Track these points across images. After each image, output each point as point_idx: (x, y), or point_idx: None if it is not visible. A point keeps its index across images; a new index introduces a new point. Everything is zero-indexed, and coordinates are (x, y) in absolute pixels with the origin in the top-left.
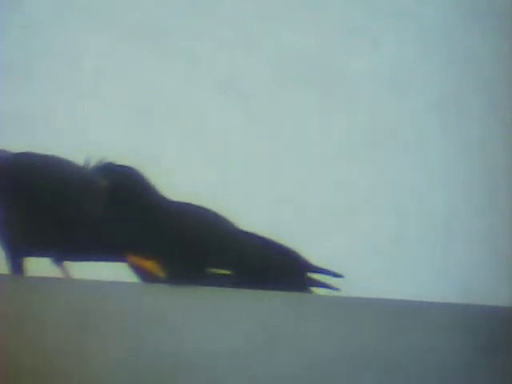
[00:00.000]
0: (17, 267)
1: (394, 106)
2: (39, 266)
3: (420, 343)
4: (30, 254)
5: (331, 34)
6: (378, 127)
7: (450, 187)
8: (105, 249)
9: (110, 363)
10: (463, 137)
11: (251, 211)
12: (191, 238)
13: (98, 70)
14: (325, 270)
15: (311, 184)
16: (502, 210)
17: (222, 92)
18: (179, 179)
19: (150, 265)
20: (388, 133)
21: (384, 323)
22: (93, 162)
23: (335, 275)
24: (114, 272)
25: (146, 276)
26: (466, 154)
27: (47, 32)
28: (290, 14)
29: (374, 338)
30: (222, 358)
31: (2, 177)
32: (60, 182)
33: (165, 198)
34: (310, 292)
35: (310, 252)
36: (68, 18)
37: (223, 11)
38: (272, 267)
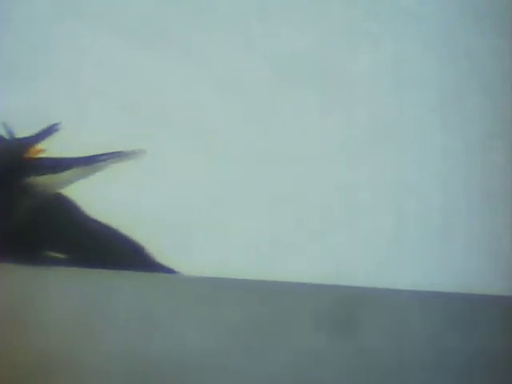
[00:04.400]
0: None
1: (394, 106)
2: None
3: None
4: None
5: (331, 34)
6: (378, 127)
7: (450, 187)
8: None
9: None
10: (463, 137)
11: (250, 211)
12: (29, 221)
13: (97, 68)
14: (167, 268)
15: (311, 184)
16: (502, 210)
17: (220, 91)
18: (177, 178)
19: None
20: (388, 132)
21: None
22: None
23: (171, 272)
24: None
25: None
26: (466, 154)
27: (47, 29)
28: (290, 14)
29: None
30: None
31: None
32: None
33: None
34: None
35: (310, 252)
36: (68, 16)
37: (223, 10)
38: (112, 258)
